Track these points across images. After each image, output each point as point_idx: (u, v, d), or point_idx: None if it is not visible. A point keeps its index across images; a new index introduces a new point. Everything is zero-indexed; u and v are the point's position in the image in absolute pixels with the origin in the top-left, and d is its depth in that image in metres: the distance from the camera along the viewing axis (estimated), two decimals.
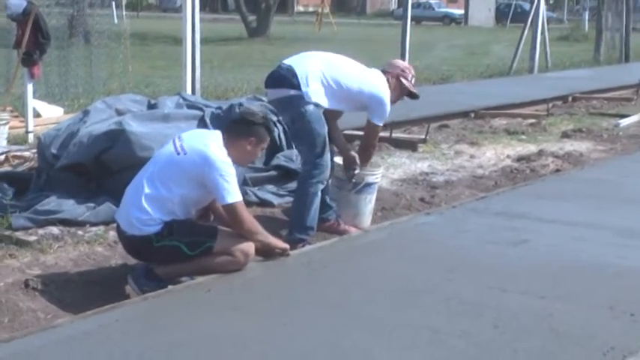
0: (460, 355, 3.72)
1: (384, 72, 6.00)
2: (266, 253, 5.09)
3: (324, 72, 5.69)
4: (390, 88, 5.93)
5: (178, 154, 4.80)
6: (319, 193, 5.78)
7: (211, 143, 4.82)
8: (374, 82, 5.86)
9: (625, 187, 7.44)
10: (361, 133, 6.45)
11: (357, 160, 6.04)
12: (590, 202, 6.81)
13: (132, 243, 4.86)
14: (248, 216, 4.92)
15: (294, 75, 5.62)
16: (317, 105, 5.66)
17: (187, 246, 4.76)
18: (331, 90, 5.70)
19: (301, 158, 6.00)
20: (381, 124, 6.01)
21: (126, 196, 4.91)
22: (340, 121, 6.19)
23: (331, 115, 5.98)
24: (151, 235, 4.73)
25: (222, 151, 4.80)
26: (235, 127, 5.00)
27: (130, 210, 4.80)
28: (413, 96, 6.16)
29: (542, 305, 4.37)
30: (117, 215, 5.00)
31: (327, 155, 5.77)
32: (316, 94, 5.64)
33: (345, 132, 6.90)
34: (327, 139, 5.73)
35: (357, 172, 6.08)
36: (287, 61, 5.76)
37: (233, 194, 4.76)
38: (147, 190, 4.74)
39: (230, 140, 4.89)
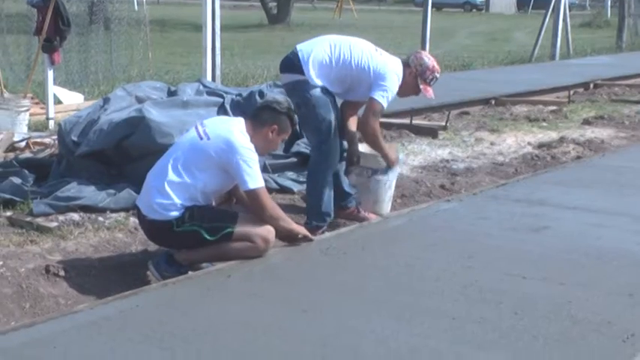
0: (479, 340, 3.72)
1: (406, 64, 5.83)
2: (289, 239, 5.12)
3: (332, 55, 5.65)
4: (403, 80, 5.77)
5: (202, 139, 4.82)
6: (330, 179, 5.76)
7: (235, 129, 4.84)
8: (382, 60, 5.70)
9: None
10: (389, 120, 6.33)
11: (358, 157, 5.99)
12: (610, 189, 6.77)
13: (152, 228, 4.88)
14: (270, 202, 4.93)
15: (299, 59, 5.63)
16: (324, 89, 5.64)
17: (207, 231, 4.78)
18: (337, 73, 5.66)
19: (310, 144, 5.99)
20: (379, 100, 5.64)
21: (147, 182, 4.93)
22: None
23: (349, 107, 5.97)
24: (171, 219, 4.75)
25: (246, 137, 4.82)
26: (259, 114, 5.01)
27: (151, 195, 4.82)
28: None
29: (561, 292, 4.36)
30: (138, 201, 5.02)
31: (335, 141, 5.74)
32: (320, 77, 5.63)
33: None
34: (333, 124, 5.69)
35: (354, 167, 6.03)
36: (298, 46, 5.77)
37: (256, 180, 4.78)
38: (170, 176, 4.76)
39: (253, 127, 4.91)
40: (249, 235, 4.81)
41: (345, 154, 6.02)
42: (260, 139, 4.91)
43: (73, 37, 11.18)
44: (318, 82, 5.63)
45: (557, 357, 3.57)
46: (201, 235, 4.78)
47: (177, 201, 4.75)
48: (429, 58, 5.91)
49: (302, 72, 5.62)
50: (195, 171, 4.77)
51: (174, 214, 4.75)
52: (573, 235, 5.42)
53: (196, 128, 4.92)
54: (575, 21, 28.17)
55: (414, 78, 5.82)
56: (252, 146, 4.81)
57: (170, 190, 4.75)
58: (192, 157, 4.80)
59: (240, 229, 4.81)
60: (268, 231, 4.86)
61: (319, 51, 5.68)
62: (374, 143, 5.89)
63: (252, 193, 4.82)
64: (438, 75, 5.92)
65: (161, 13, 29.76)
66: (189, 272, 4.79)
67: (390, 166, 5.99)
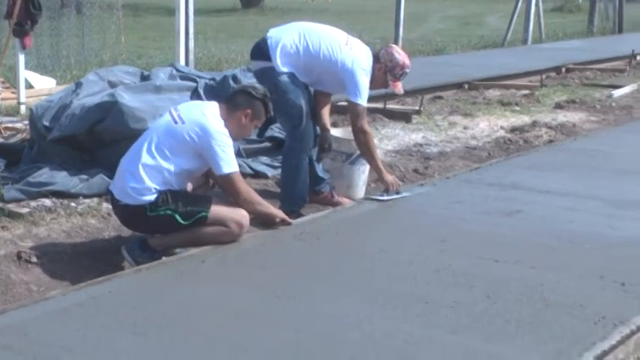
0: (453, 324, 3.74)
1: (377, 58, 5.78)
2: (267, 223, 5.13)
3: (299, 44, 5.64)
4: (373, 75, 5.73)
5: (176, 123, 4.81)
6: (304, 164, 5.76)
7: (209, 113, 4.83)
8: (350, 55, 5.66)
9: (617, 158, 7.45)
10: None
11: (329, 143, 5.98)
12: (582, 173, 6.83)
13: (126, 213, 4.86)
14: (245, 186, 4.93)
15: (268, 46, 5.63)
16: (293, 75, 5.63)
17: (181, 216, 4.76)
18: (304, 62, 5.65)
19: (284, 130, 5.99)
20: (359, 103, 5.64)
21: (121, 166, 4.90)
22: None
23: (321, 95, 5.96)
24: (145, 204, 4.73)
25: (220, 122, 4.81)
26: (234, 98, 5.01)
27: (125, 179, 4.79)
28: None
29: (533, 275, 4.39)
30: (111, 186, 4.99)
31: (308, 125, 5.73)
32: (287, 65, 5.62)
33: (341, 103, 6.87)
34: (304, 109, 5.68)
35: (325, 154, 6.02)
36: (269, 32, 5.76)
37: (230, 164, 4.78)
38: (144, 159, 4.74)
39: (227, 111, 4.90)
40: (224, 219, 4.80)
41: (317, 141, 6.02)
42: (233, 124, 4.89)
43: (45, 20, 11.06)
44: (285, 69, 5.62)
45: (529, 340, 3.59)
46: (175, 219, 4.76)
47: (151, 185, 4.72)
48: (399, 54, 5.87)
49: (270, 59, 5.62)
50: (170, 155, 4.75)
51: (148, 198, 4.73)
52: (545, 219, 5.46)
53: (170, 113, 4.90)
54: (547, 5, 28.21)
55: (384, 73, 5.80)
56: (226, 131, 4.80)
57: (144, 173, 4.72)
58: (167, 141, 4.78)
59: (214, 213, 4.80)
60: (242, 215, 4.85)
61: (288, 39, 5.67)
62: (366, 149, 5.80)
63: (227, 178, 4.82)
64: (407, 70, 5.88)
65: None
66: (163, 258, 4.77)
67: (386, 188, 5.87)
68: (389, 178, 5.91)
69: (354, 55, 5.69)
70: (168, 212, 4.74)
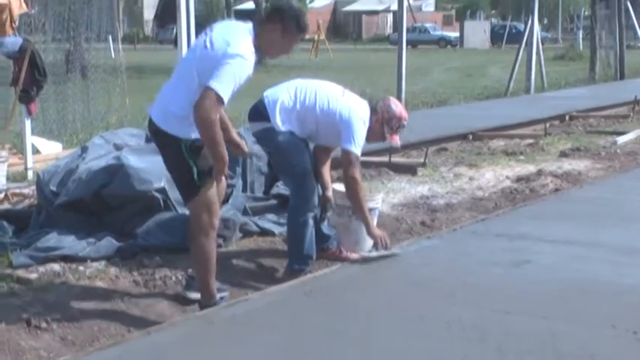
0: None
1: (374, 110, 5.81)
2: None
3: (296, 99, 5.67)
4: (370, 127, 5.75)
5: (206, 47, 4.80)
6: (310, 221, 5.75)
7: (235, 40, 4.74)
8: (347, 105, 5.69)
9: (624, 205, 7.45)
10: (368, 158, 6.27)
11: (331, 203, 5.97)
12: (589, 221, 6.82)
13: (162, 137, 4.90)
14: (214, 108, 4.65)
15: (265, 106, 5.67)
16: (291, 133, 5.65)
17: (198, 170, 4.82)
18: (303, 117, 5.67)
19: (287, 188, 6.01)
20: (353, 151, 5.62)
21: (162, 92, 4.97)
22: None
23: (321, 151, 5.98)
24: (181, 140, 4.79)
25: (245, 47, 4.72)
26: (267, 13, 5.02)
27: (165, 103, 4.86)
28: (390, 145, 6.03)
29: (545, 326, 4.37)
30: (150, 110, 5.00)
31: (311, 182, 5.73)
32: (286, 123, 5.64)
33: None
34: (307, 167, 5.70)
35: (328, 214, 6.03)
36: (265, 92, 5.80)
37: (219, 82, 4.62)
38: (182, 84, 4.80)
39: (259, 27, 4.89)
40: (209, 199, 4.90)
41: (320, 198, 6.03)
42: (266, 40, 4.88)
43: (50, 86, 11.17)
44: (284, 128, 5.64)
45: None
46: (192, 172, 4.82)
47: (189, 121, 4.68)
48: (396, 106, 5.89)
49: (268, 119, 5.65)
50: (203, 79, 4.68)
51: (185, 134, 4.78)
52: (554, 268, 5.45)
53: (205, 33, 4.89)
54: (549, 54, 28.47)
55: (381, 125, 5.81)
56: (248, 56, 4.69)
57: (183, 100, 4.72)
58: (200, 66, 4.75)
59: (207, 190, 4.87)
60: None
61: (285, 96, 5.71)
62: (355, 199, 5.73)
63: (206, 90, 4.63)
64: (405, 123, 5.89)
65: (138, 60, 29.82)
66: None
67: (374, 241, 5.82)
68: (376, 232, 5.82)
69: (351, 106, 5.72)
70: (192, 162, 4.82)
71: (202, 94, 4.64)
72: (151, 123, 4.98)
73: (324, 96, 5.71)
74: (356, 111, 5.70)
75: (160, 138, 4.97)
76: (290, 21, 4.95)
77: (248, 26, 4.90)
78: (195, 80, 4.74)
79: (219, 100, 4.63)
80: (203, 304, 5.02)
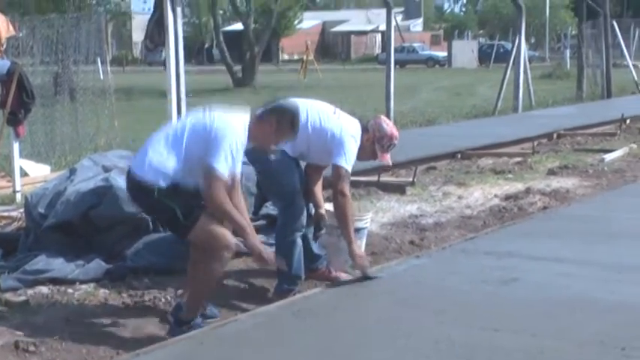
0: None
1: (365, 129, 5.83)
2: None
3: None
4: (361, 145, 5.77)
5: (204, 115, 4.96)
6: (298, 241, 5.76)
7: (235, 119, 4.95)
8: (338, 123, 5.72)
9: (611, 222, 7.48)
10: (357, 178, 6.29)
11: (324, 221, 5.98)
12: (577, 238, 6.84)
13: (137, 187, 4.98)
14: (219, 189, 4.81)
15: None
16: (282, 152, 5.65)
17: (182, 212, 4.85)
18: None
19: (276, 208, 6.02)
20: (343, 166, 5.64)
21: (144, 145, 5.07)
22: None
23: (313, 170, 6.00)
24: (155, 187, 4.84)
25: (242, 128, 4.92)
26: (266, 108, 5.12)
27: (146, 156, 4.94)
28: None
29: (533, 343, 4.38)
30: (131, 162, 5.15)
31: (300, 202, 5.75)
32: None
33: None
34: (296, 186, 5.73)
35: (322, 232, 6.03)
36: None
37: (221, 163, 4.78)
38: (167, 143, 4.92)
39: (255, 117, 5.03)
40: (211, 229, 4.87)
41: (312, 217, 6.04)
42: (258, 130, 5.00)
43: (38, 108, 11.17)
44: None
45: None
46: (176, 214, 4.86)
47: (168, 169, 4.84)
48: (387, 125, 5.92)
49: None
50: (191, 142, 4.87)
51: (161, 182, 4.84)
52: (543, 286, 5.46)
53: (203, 109, 5.04)
54: (536, 73, 28.62)
55: (372, 144, 5.84)
56: (244, 139, 4.90)
57: (164, 152, 4.87)
58: (192, 130, 4.91)
59: (206, 221, 4.87)
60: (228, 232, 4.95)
61: None
62: (342, 214, 5.71)
63: (210, 170, 4.78)
64: (396, 142, 5.92)
65: (127, 82, 29.88)
66: (167, 340, 4.76)
67: (354, 262, 5.77)
68: (358, 252, 5.76)
69: (343, 124, 5.75)
70: (173, 205, 4.85)
71: (208, 173, 4.79)
72: (129, 177, 5.07)
73: (316, 114, 5.74)
74: (347, 129, 5.73)
75: (134, 191, 5.07)
76: (284, 118, 5.08)
77: (246, 115, 5.06)
78: (194, 155, 4.87)
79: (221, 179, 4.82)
80: (182, 320, 5.03)
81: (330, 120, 5.74)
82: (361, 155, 5.84)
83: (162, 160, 4.88)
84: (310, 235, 6.00)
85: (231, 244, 4.93)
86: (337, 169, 5.68)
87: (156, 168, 4.87)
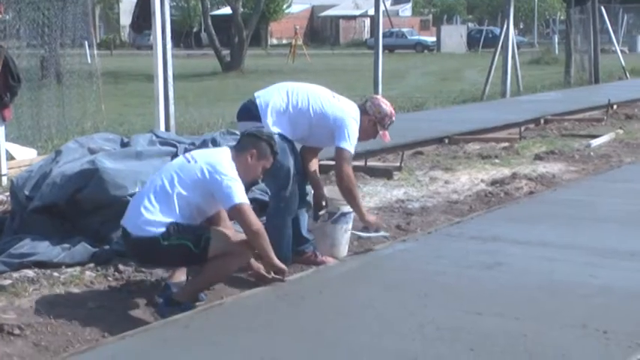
0: None
1: (364, 111, 5.93)
2: (259, 276, 5.37)
3: (289, 102, 5.76)
4: (361, 127, 5.88)
5: (189, 162, 5.07)
6: (289, 224, 5.81)
7: (219, 155, 5.10)
8: (339, 106, 5.84)
9: (597, 207, 7.52)
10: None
11: (325, 200, 6.06)
12: (562, 223, 6.88)
13: (139, 246, 5.03)
14: (256, 218, 5.06)
15: (257, 107, 5.72)
16: (281, 136, 5.70)
17: (193, 243, 4.92)
18: (295, 120, 5.76)
19: (269, 191, 6.05)
20: (347, 148, 5.79)
21: (133, 201, 5.15)
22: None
23: (309, 151, 6.04)
24: (157, 235, 4.89)
25: (231, 164, 5.03)
26: (241, 140, 5.26)
27: (138, 213, 4.99)
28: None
29: (516, 326, 4.41)
30: (123, 221, 5.15)
31: (293, 187, 5.80)
32: (278, 125, 5.71)
33: (322, 162, 6.92)
34: (291, 170, 5.77)
35: (322, 212, 6.09)
36: (256, 93, 5.85)
37: (239, 196, 4.94)
38: (157, 195, 4.98)
39: (235, 154, 5.13)
40: (227, 242, 5.00)
41: (308, 199, 6.08)
42: (241, 165, 5.08)
43: (24, 91, 11.09)
44: (276, 129, 5.69)
45: None
46: (189, 247, 4.93)
47: (163, 218, 4.91)
48: (386, 104, 6.05)
49: (260, 119, 5.69)
50: (182, 191, 4.96)
51: (161, 229, 4.90)
52: (527, 270, 5.50)
53: (184, 155, 5.21)
54: (525, 58, 28.66)
55: (373, 125, 5.96)
56: (236, 173, 5.00)
57: (157, 208, 4.93)
58: (180, 177, 5.00)
59: (215, 234, 5.00)
60: (242, 237, 5.06)
61: (277, 99, 5.76)
62: (349, 192, 5.89)
63: (238, 208, 4.96)
64: (394, 119, 6.10)
65: (115, 65, 29.78)
66: (151, 323, 4.76)
67: (368, 227, 6.18)
68: (371, 218, 6.14)
69: (343, 107, 5.86)
70: (182, 241, 4.93)
71: (238, 212, 4.98)
72: (127, 240, 5.12)
73: (317, 99, 5.82)
74: (349, 112, 5.84)
75: (137, 249, 5.11)
76: (264, 147, 5.19)
77: (227, 151, 5.19)
78: (192, 203, 5.00)
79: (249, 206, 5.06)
80: (174, 300, 5.08)
81: (332, 104, 5.82)
82: (362, 136, 5.95)
83: (154, 215, 4.94)
84: (302, 217, 6.02)
85: (246, 249, 5.10)
86: (340, 152, 5.80)
87: (151, 222, 4.94)
